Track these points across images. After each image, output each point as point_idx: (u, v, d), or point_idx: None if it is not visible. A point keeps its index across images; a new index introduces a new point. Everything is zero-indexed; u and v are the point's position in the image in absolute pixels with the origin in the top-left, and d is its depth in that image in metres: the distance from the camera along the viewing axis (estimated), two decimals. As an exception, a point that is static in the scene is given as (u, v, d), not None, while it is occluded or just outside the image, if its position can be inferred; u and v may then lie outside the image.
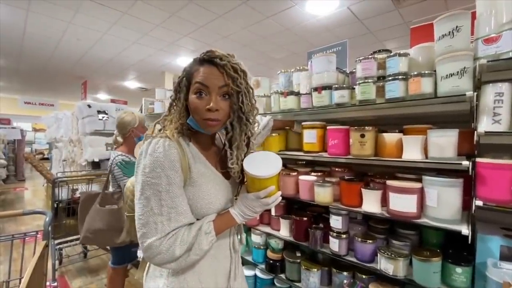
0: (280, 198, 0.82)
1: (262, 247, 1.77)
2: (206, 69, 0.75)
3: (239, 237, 0.95)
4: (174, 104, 0.81)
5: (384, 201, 1.22)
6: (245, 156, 0.85)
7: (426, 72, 1.07)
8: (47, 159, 8.03)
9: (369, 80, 1.20)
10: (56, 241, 2.64)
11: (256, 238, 1.78)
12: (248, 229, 1.88)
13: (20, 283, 1.42)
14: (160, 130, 0.80)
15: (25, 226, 3.87)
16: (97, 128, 3.58)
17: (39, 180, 6.95)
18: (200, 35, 4.51)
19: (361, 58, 1.23)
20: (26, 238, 1.49)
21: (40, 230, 1.39)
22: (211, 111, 0.73)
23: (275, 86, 1.81)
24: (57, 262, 2.56)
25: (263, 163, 0.80)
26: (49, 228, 1.37)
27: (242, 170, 0.86)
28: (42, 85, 8.58)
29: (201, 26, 4.22)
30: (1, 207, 4.88)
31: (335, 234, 1.36)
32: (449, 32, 1.01)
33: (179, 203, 0.71)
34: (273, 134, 1.59)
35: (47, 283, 1.39)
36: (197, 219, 0.78)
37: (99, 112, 3.70)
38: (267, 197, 0.78)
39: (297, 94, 1.53)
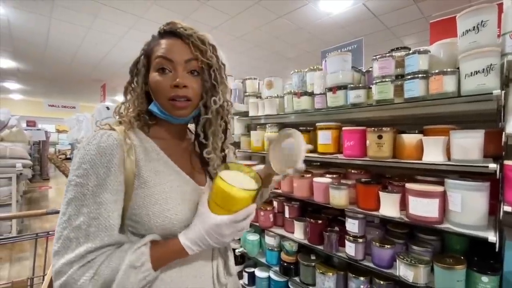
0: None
1: (276, 249, 1.75)
2: (168, 41, 0.62)
3: (227, 264, 0.73)
4: (131, 88, 0.66)
5: (403, 205, 1.17)
6: (223, 145, 0.71)
7: (449, 70, 1.02)
8: (69, 159, 8.40)
9: (387, 79, 1.16)
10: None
11: (269, 240, 1.76)
12: (262, 231, 1.87)
13: (43, 279, 1.48)
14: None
15: (49, 223, 4.06)
16: (115, 130, 3.70)
17: (62, 179, 7.27)
18: (213, 37, 4.54)
19: (378, 56, 1.19)
20: (50, 236, 1.56)
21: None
22: (178, 88, 0.60)
23: (288, 86, 1.79)
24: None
25: (236, 177, 0.62)
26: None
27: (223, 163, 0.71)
28: (65, 89, 8.97)
29: (214, 28, 4.24)
30: (28, 205, 5.15)
31: (351, 238, 1.33)
32: (474, 27, 0.95)
33: (105, 213, 0.53)
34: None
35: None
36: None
37: (117, 114, 3.82)
38: (245, 219, 0.59)
39: (311, 94, 1.50)
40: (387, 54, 1.18)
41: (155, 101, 0.63)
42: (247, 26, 4.24)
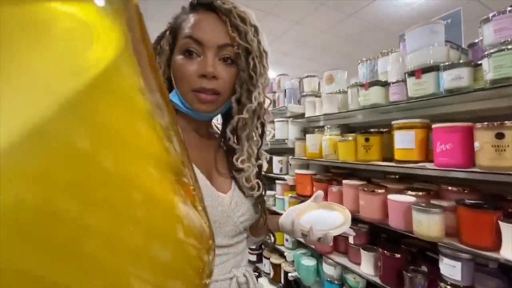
0: None
1: (336, 281, 1.40)
2: (200, 17, 0.49)
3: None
4: None
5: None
6: (258, 151, 0.58)
7: None
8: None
9: (511, 46, 0.75)
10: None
11: (328, 269, 1.42)
12: (320, 256, 1.55)
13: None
14: None
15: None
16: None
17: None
18: (277, 45, 4.49)
19: (491, 14, 0.79)
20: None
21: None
22: (206, 78, 0.47)
23: (354, 79, 1.47)
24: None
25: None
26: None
27: (258, 174, 0.59)
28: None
29: (278, 36, 4.19)
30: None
31: (449, 287, 0.90)
32: None
33: None
34: (350, 138, 1.25)
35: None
36: None
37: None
38: None
39: (384, 84, 1.15)
40: (509, 8, 0.77)
41: (176, 89, 0.52)
42: (312, 30, 4.03)
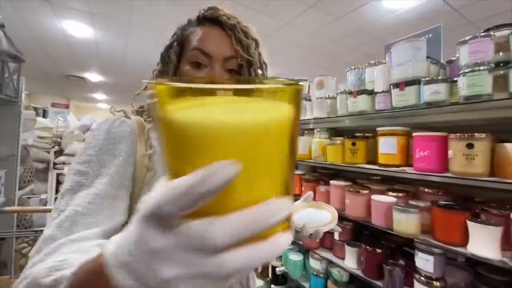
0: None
1: (321, 275, 1.50)
2: (207, 30, 0.53)
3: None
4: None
5: (506, 243, 0.83)
6: None
7: None
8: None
9: (483, 68, 0.85)
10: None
11: (314, 264, 1.52)
12: (306, 251, 1.64)
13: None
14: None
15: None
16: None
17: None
18: (267, 45, 4.53)
19: (468, 38, 0.89)
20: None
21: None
22: None
23: (342, 86, 1.55)
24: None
25: None
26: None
27: None
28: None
29: (268, 36, 4.22)
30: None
31: (423, 278, 1.01)
32: None
33: (101, 208, 0.41)
34: (338, 142, 1.34)
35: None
36: None
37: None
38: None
39: (371, 93, 1.24)
40: (482, 34, 0.87)
41: None
42: (302, 32, 4.10)
